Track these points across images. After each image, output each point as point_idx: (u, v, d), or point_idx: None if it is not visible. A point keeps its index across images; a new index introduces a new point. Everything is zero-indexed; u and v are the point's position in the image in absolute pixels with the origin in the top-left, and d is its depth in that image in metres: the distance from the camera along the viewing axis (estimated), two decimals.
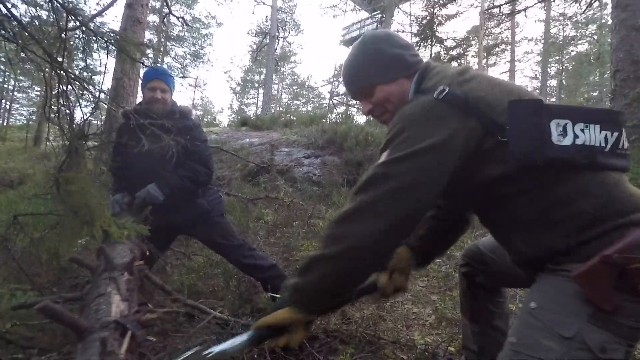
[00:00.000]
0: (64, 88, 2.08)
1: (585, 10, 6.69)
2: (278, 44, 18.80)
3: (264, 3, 17.82)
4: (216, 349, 0.90)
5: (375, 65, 1.05)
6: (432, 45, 16.71)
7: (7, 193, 4.60)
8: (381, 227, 0.81)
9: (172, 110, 2.12)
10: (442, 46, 17.03)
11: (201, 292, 2.29)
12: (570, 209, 0.83)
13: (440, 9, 16.00)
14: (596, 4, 6.31)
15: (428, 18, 16.21)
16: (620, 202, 0.83)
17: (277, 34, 17.40)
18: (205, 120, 21.30)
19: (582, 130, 0.82)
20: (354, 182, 5.51)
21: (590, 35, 18.56)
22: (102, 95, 2.33)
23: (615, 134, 0.84)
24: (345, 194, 5.00)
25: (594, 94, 18.99)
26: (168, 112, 2.09)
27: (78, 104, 1.95)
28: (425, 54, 16.62)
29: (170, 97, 2.12)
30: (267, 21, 19.11)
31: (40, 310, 1.01)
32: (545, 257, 0.89)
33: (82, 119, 2.13)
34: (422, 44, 16.34)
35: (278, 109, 23.35)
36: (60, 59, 2.03)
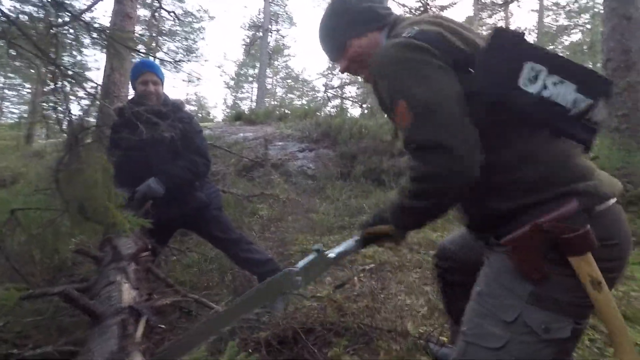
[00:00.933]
0: (59, 84, 2.07)
1: (576, 0, 6.68)
2: (271, 37, 18.67)
3: None
4: (335, 251, 1.06)
5: (345, 21, 1.03)
6: None
7: (0, 192, 4.56)
8: (461, 154, 0.76)
9: (165, 103, 2.12)
10: None
11: (197, 288, 2.31)
12: (512, 175, 0.81)
13: None
14: None
15: (422, 9, 16.15)
16: (565, 170, 0.80)
17: (270, 27, 17.26)
18: (200, 115, 21.16)
19: (555, 84, 0.76)
20: (349, 175, 5.53)
21: (583, 24, 18.57)
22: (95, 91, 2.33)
23: (589, 100, 0.76)
24: (340, 186, 5.02)
25: None
26: (161, 105, 2.09)
27: (72, 100, 1.95)
28: None
29: (162, 89, 2.12)
30: (260, 14, 18.92)
31: (59, 294, 1.04)
32: (488, 222, 0.88)
33: (80, 113, 2.14)
34: None
35: (272, 102, 23.24)
36: (51, 55, 2.02)
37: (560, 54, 0.84)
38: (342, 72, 1.13)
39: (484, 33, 0.97)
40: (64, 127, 2.00)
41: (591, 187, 0.78)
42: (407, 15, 1.08)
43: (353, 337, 1.80)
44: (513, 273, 0.78)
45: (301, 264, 1.03)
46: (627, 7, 4.13)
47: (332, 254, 1.05)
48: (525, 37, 0.79)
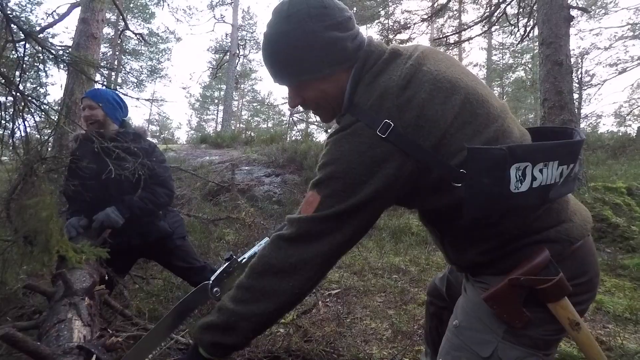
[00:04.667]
0: (19, 107, 2.03)
1: (519, 42, 7.47)
2: (238, 61, 18.84)
3: (224, 21, 17.88)
4: (246, 255, 1.04)
5: (305, 57, 0.81)
6: None
7: None
8: (313, 280, 0.80)
9: (127, 131, 2.08)
10: None
11: (161, 317, 2.26)
12: (493, 229, 0.81)
13: (394, 34, 16.96)
14: (531, 34, 7.09)
15: (383, 42, 17.07)
16: (542, 219, 0.80)
17: (237, 51, 17.46)
18: (163, 136, 20.62)
19: (541, 171, 0.74)
20: None
21: (525, 63, 20.56)
22: (52, 111, 2.28)
23: (571, 165, 0.78)
24: None
25: (531, 116, 20.89)
26: (122, 134, 2.04)
27: (26, 120, 1.90)
28: None
29: (101, 113, 2.03)
30: (227, 38, 19.13)
31: (0, 338, 1.00)
32: (469, 268, 0.91)
33: (39, 141, 2.07)
34: None
35: (238, 125, 23.18)
36: (8, 74, 1.98)
37: (535, 142, 0.82)
38: (292, 107, 0.97)
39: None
40: (19, 151, 1.95)
41: (562, 232, 0.80)
42: (376, 49, 0.83)
43: None
44: (490, 310, 0.81)
45: (215, 275, 1.05)
46: (558, 54, 4.72)
47: (243, 258, 1.05)
48: (504, 150, 0.72)
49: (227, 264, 1.03)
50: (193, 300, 1.05)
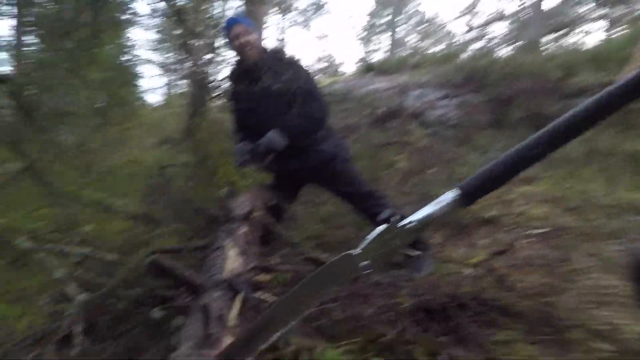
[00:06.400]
0: (187, 41, 2.16)
1: None
2: None
3: None
4: (416, 217, 0.70)
5: None
6: None
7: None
8: None
9: (270, 50, 2.04)
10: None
11: (330, 243, 2.18)
12: None
13: None
14: None
15: None
16: None
17: None
18: (330, 70, 21.43)
19: None
20: (501, 123, 4.62)
21: None
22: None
23: None
24: (491, 135, 4.22)
25: None
26: (268, 53, 2.01)
27: (193, 51, 2.02)
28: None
29: (255, 38, 1.99)
30: None
31: (149, 266, 0.96)
32: None
33: (207, 72, 2.23)
34: None
35: (405, 52, 21.72)
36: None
37: None
38: None
39: None
40: (192, 85, 2.12)
41: None
42: None
43: (528, 323, 1.36)
44: None
45: (364, 243, 0.72)
46: None
47: (411, 222, 0.70)
48: None
49: (383, 227, 0.71)
50: (333, 273, 0.75)
